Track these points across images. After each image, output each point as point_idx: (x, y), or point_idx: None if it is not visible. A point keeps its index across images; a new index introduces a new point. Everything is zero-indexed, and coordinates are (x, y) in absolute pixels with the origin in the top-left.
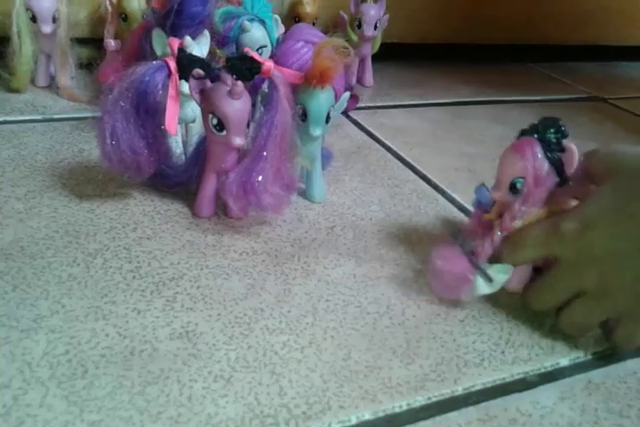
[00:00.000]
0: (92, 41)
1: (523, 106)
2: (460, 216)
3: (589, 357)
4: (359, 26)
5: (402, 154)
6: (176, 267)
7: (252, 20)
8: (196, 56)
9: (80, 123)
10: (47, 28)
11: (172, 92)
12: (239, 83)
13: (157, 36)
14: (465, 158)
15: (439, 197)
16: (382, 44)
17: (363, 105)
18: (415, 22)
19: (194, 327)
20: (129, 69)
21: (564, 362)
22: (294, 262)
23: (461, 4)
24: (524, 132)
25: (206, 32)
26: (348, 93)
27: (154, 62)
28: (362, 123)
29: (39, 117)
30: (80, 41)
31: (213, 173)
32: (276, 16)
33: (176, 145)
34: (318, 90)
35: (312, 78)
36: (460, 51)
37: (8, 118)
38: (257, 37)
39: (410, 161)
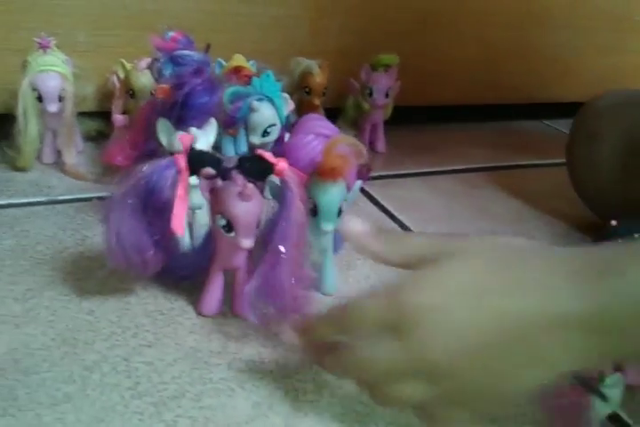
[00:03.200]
0: (99, 114)
1: (540, 171)
2: None
3: None
4: (370, 94)
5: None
6: (177, 382)
7: (260, 100)
8: (207, 154)
9: (84, 205)
10: (53, 108)
11: (180, 191)
12: (250, 185)
13: (162, 126)
14: None
15: None
16: (393, 108)
17: (375, 174)
18: (425, 85)
19: None
20: (137, 167)
21: None
22: (304, 373)
23: (470, 65)
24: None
25: (213, 120)
26: (359, 182)
27: (163, 160)
28: (375, 195)
29: (43, 199)
30: (87, 114)
31: (220, 270)
32: (286, 94)
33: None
34: (329, 184)
35: (323, 174)
36: (471, 112)
37: (11, 201)
38: (266, 116)
39: None
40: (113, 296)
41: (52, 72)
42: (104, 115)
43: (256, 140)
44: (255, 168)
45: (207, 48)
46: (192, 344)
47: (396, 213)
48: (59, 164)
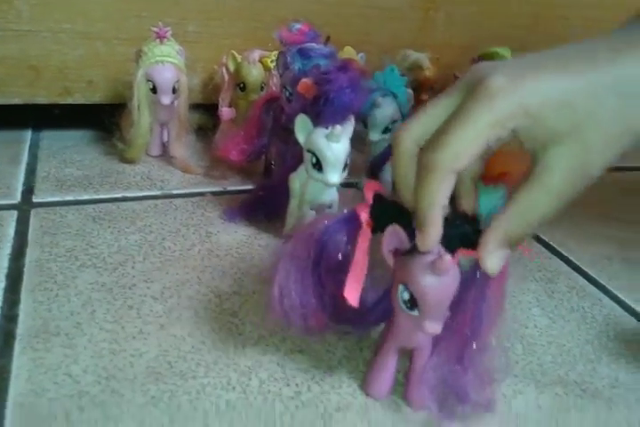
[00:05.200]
0: (203, 107)
1: None
2: (632, 322)
3: None
4: None
5: (543, 237)
6: (338, 392)
7: (384, 95)
8: (395, 207)
9: (200, 200)
10: (167, 100)
11: (359, 254)
12: (447, 256)
13: (302, 122)
14: (613, 243)
15: (602, 296)
16: None
17: None
18: None
19: None
20: (313, 221)
21: None
22: None
23: None
24: None
25: (352, 118)
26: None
27: (343, 213)
28: None
29: (158, 193)
30: (191, 106)
31: (396, 348)
32: (410, 90)
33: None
34: (490, 188)
35: (488, 179)
36: None
37: (127, 194)
38: (389, 113)
39: (554, 246)
40: (252, 298)
41: (168, 63)
42: (207, 108)
43: (376, 136)
44: (459, 236)
45: (327, 40)
46: (343, 353)
47: None
48: (165, 156)
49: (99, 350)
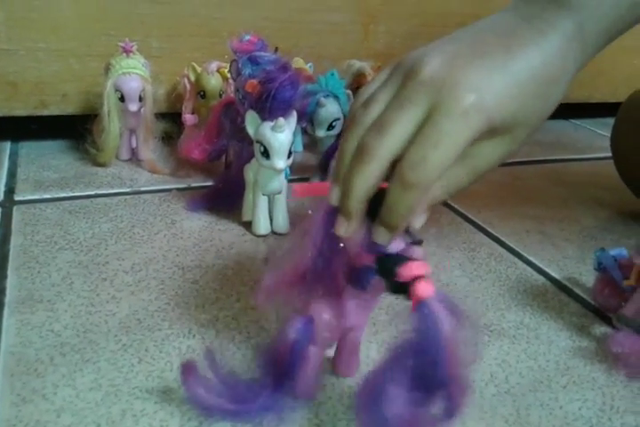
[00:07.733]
0: (168, 115)
1: (576, 164)
2: (541, 280)
3: None
4: None
5: (471, 217)
6: None
7: (327, 96)
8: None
9: (166, 195)
10: (134, 107)
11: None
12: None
13: (251, 118)
14: (532, 220)
15: (517, 260)
16: None
17: None
18: None
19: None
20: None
21: None
22: (391, 330)
23: None
24: None
25: (294, 112)
26: None
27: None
28: None
29: (128, 190)
30: (157, 115)
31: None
32: (349, 91)
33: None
34: None
35: None
36: None
37: (99, 192)
38: (332, 111)
39: (479, 223)
40: (211, 269)
41: (134, 74)
42: (172, 116)
43: (322, 133)
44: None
45: (275, 51)
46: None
47: (448, 201)
48: (133, 160)
49: (77, 312)
